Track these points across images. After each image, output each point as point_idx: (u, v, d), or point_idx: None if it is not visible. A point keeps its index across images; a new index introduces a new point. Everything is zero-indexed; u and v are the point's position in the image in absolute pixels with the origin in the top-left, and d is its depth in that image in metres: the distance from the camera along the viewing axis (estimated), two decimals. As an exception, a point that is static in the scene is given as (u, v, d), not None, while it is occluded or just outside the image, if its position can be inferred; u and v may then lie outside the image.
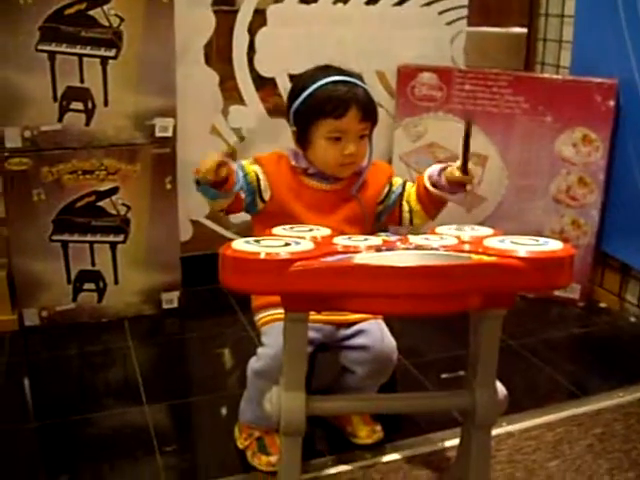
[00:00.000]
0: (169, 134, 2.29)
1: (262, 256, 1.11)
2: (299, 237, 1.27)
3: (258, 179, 1.61)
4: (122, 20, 2.16)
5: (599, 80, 2.40)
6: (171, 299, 2.45)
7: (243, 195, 1.57)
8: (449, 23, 2.70)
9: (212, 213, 2.55)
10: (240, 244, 1.18)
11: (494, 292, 1.18)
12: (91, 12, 2.13)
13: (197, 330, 2.40)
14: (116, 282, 2.37)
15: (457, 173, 1.51)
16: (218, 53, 2.47)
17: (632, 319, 2.50)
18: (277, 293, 1.21)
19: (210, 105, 2.47)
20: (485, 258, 1.16)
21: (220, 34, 2.43)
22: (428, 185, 1.59)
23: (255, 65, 2.49)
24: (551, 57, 2.79)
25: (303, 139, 1.59)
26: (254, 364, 1.61)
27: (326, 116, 1.53)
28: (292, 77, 2.51)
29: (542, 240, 1.26)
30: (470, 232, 1.36)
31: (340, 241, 1.24)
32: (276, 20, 2.47)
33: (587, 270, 2.53)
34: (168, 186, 2.33)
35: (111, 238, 2.32)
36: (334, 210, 1.60)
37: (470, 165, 1.49)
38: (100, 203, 2.28)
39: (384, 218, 1.69)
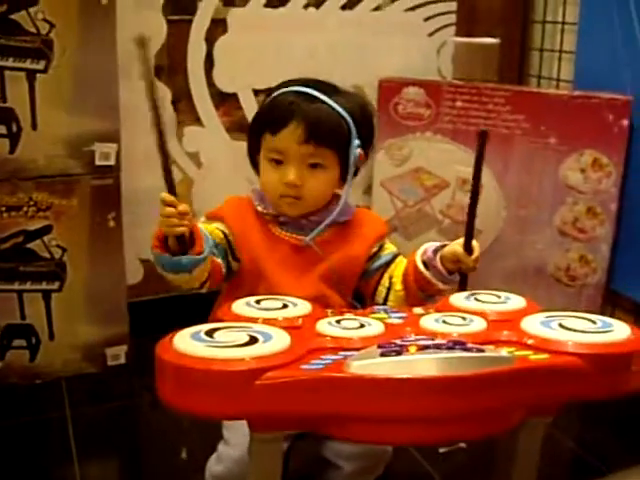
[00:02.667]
0: (111, 162, 1.94)
1: (216, 366, 0.76)
2: (270, 320, 0.92)
3: (225, 236, 1.27)
4: (52, 26, 1.80)
5: (610, 96, 2.09)
6: (117, 354, 2.09)
7: (219, 260, 1.23)
8: (435, 31, 2.39)
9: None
10: (186, 340, 0.83)
11: (541, 400, 0.85)
12: (14, 16, 1.77)
13: (150, 391, 2.03)
14: (51, 337, 2.01)
15: (458, 250, 1.18)
16: (170, 65, 2.12)
17: (649, 366, 2.19)
18: (240, 416, 0.86)
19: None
20: (532, 357, 0.82)
21: (173, 43, 2.08)
22: (419, 262, 1.23)
23: (214, 79, 2.15)
24: (547, 69, 2.49)
25: (252, 160, 1.31)
26: (214, 467, 1.28)
27: (264, 129, 1.23)
28: (257, 93, 2.20)
29: (600, 321, 0.94)
30: (496, 305, 1.02)
31: (326, 329, 0.89)
32: (238, 27, 2.13)
33: (596, 312, 2.20)
34: (111, 223, 1.97)
35: (44, 286, 1.96)
36: (311, 268, 1.25)
37: (475, 243, 1.15)
38: (29, 245, 1.92)
39: (360, 283, 1.34)
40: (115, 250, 2.01)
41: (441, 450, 1.75)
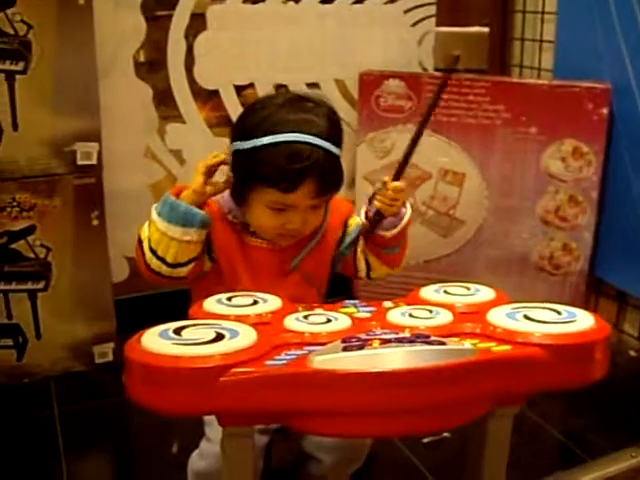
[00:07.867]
0: (93, 161, 1.94)
1: (182, 364, 0.78)
2: (239, 317, 0.93)
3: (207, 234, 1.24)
4: (30, 27, 1.80)
5: (590, 85, 2.10)
6: (105, 352, 2.10)
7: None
8: (416, 23, 2.39)
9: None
10: (153, 338, 0.84)
11: (506, 392, 0.86)
12: (-9, 18, 1.77)
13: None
14: (38, 336, 2.02)
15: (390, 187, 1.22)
16: (151, 63, 2.12)
17: (632, 353, 2.21)
18: (208, 412, 0.88)
19: (143, 124, 2.12)
20: (495, 348, 0.84)
21: (152, 40, 2.09)
22: (362, 217, 1.28)
23: (195, 76, 2.16)
24: (529, 59, 2.50)
25: (238, 194, 1.23)
26: (196, 463, 1.29)
27: (270, 185, 1.15)
28: (238, 89, 2.20)
29: (565, 312, 0.95)
30: (465, 298, 1.03)
31: (293, 325, 0.91)
32: (217, 23, 2.13)
33: (580, 299, 2.23)
34: (95, 222, 1.98)
35: (29, 286, 1.97)
36: (286, 273, 1.26)
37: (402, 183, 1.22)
38: (14, 245, 1.93)
39: (339, 267, 1.34)
40: (99, 248, 2.02)
41: (424, 440, 1.77)
